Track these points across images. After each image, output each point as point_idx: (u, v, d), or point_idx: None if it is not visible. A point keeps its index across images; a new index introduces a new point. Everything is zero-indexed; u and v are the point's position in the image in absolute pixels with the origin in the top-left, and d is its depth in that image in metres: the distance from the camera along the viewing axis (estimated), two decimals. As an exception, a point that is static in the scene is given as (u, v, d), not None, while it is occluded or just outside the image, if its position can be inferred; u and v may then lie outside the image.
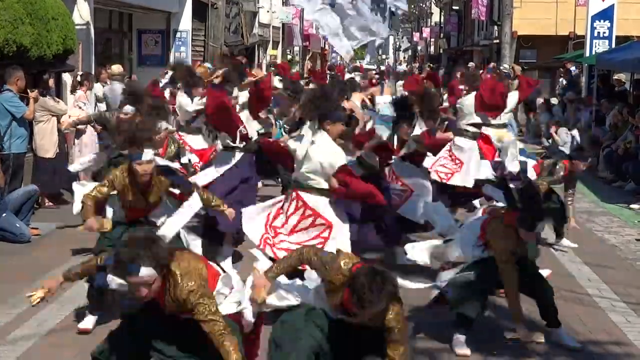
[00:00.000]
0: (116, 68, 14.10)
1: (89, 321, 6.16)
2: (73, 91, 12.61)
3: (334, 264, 4.37)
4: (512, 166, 8.26)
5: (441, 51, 53.76)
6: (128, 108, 7.98)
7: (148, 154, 5.83)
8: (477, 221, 6.27)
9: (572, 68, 21.46)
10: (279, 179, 10.64)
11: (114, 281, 4.16)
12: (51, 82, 11.14)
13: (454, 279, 6.00)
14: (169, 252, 4.24)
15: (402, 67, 66.55)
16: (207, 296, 4.27)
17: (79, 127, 11.35)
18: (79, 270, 4.77)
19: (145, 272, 4.07)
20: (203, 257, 4.78)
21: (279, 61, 36.32)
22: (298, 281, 4.79)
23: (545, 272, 7.79)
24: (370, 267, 4.23)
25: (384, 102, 17.44)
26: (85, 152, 11.56)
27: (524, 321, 6.02)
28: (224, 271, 4.71)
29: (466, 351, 5.85)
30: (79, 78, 12.06)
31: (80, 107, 11.56)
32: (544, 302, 6.08)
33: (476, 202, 9.39)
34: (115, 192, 6.12)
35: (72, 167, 8.95)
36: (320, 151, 6.34)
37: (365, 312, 4.12)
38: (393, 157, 7.95)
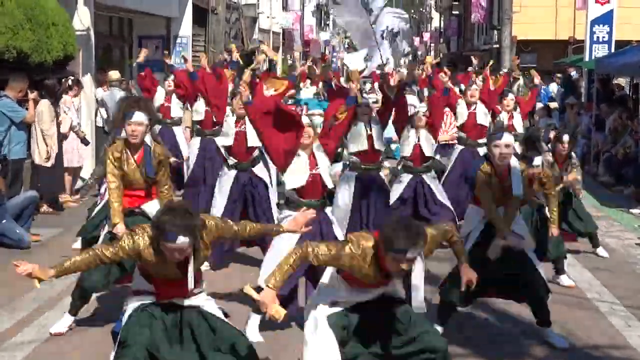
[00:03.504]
0: (114, 74, 14.10)
1: (64, 323, 6.20)
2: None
3: (343, 251, 4.37)
4: None
5: (441, 55, 53.83)
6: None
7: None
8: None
9: (573, 73, 21.40)
10: None
11: None
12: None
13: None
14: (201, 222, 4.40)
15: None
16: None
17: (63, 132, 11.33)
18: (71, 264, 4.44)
19: (182, 240, 4.20)
20: None
21: (279, 67, 36.41)
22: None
23: (567, 282, 7.77)
24: (391, 220, 4.35)
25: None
26: (67, 158, 11.46)
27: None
28: None
29: None
30: (70, 82, 11.97)
31: (65, 112, 11.49)
32: (535, 299, 6.09)
33: None
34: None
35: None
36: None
37: (417, 247, 4.19)
38: None
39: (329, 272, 4.70)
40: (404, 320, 4.61)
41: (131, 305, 4.58)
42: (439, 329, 5.99)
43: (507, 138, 5.98)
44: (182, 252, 4.29)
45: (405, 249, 4.18)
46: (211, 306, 4.66)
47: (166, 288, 4.54)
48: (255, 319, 6.08)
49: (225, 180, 7.92)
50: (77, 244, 8.41)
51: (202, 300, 4.65)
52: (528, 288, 6.04)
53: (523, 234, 6.13)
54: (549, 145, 8.48)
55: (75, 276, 7.62)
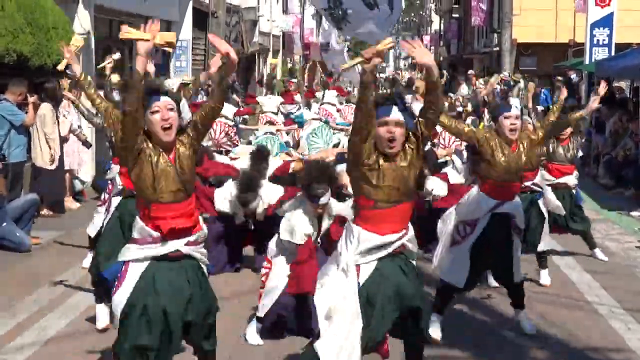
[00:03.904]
0: (114, 78, 14.10)
1: (103, 317, 6.16)
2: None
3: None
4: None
5: (441, 59, 53.90)
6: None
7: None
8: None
9: (573, 76, 21.44)
10: None
11: None
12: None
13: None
14: None
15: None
16: None
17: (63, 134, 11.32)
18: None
19: (164, 99, 4.43)
20: None
21: (279, 70, 36.54)
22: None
23: (545, 280, 7.82)
24: None
25: None
26: (67, 161, 11.46)
27: None
28: None
29: (436, 336, 5.98)
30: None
31: (64, 116, 11.49)
32: (511, 283, 6.22)
33: None
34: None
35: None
36: None
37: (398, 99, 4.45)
38: None
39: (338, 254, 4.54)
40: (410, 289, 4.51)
41: (133, 264, 4.40)
42: (436, 318, 6.05)
43: (516, 111, 6.15)
44: (168, 114, 4.33)
45: (389, 105, 4.43)
46: (203, 265, 4.58)
47: (167, 221, 4.36)
48: (255, 325, 6.06)
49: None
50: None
51: (200, 253, 4.53)
52: (507, 272, 6.17)
53: (518, 217, 6.17)
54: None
55: (76, 279, 7.66)
